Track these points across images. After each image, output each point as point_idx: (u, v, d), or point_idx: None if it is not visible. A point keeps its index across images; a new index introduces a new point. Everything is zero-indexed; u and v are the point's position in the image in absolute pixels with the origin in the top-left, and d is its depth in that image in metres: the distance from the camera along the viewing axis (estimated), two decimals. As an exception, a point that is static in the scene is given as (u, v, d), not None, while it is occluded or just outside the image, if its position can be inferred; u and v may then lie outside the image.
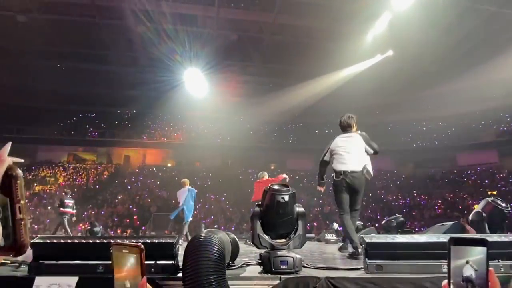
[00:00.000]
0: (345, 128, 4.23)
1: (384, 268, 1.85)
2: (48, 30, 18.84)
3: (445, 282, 0.70)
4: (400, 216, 6.67)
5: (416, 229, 13.99)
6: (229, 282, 1.81)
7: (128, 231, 14.96)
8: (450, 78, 20.31)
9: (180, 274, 1.90)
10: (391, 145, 23.23)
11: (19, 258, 2.45)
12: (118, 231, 14.95)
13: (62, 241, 1.99)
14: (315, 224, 16.15)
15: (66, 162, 22.24)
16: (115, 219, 16.33)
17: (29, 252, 1.98)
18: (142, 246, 0.72)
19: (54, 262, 1.94)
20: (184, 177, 21.25)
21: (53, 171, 20.63)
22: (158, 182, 20.25)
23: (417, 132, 23.92)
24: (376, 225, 14.90)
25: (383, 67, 19.83)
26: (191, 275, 1.70)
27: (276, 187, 1.93)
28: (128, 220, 16.40)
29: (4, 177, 0.33)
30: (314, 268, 2.13)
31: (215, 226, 16.14)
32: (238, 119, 24.14)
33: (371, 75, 20.08)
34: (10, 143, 0.46)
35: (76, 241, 2.01)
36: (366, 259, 1.93)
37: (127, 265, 0.75)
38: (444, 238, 1.96)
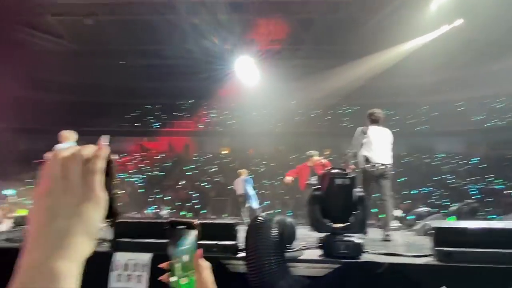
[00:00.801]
0: (376, 121, 4.47)
1: (454, 256, 1.72)
2: (111, 31, 20.44)
3: None
4: (474, 201, 6.10)
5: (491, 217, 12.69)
6: (289, 264, 1.84)
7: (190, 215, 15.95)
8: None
9: (241, 254, 1.98)
10: (461, 125, 21.16)
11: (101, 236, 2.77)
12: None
13: (137, 221, 2.20)
14: (372, 210, 15.54)
15: (134, 152, 24.27)
16: (178, 203, 17.51)
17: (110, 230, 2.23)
18: (198, 221, 0.75)
19: (130, 240, 2.16)
20: (238, 163, 21.94)
21: (123, 160, 22.69)
22: (216, 169, 21.15)
23: (491, 110, 21.34)
24: (446, 211, 13.86)
25: (451, 39, 17.86)
26: (252, 256, 1.77)
27: (335, 170, 1.90)
28: (189, 205, 17.47)
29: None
30: (376, 253, 2.07)
31: (271, 212, 16.46)
32: (289, 104, 23.91)
33: (436, 49, 18.25)
34: (108, 136, 0.55)
35: (149, 221, 2.21)
36: (434, 245, 1.81)
37: (184, 241, 0.77)
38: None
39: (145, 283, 1.95)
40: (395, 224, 7.22)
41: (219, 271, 1.97)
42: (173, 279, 0.76)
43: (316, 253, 2.05)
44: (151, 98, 25.61)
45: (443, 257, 1.74)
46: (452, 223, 1.78)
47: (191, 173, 20.93)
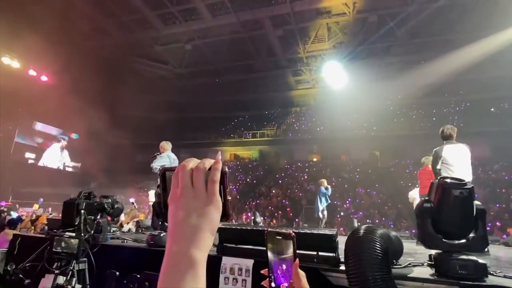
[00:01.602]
0: (449, 137, 4.45)
1: None
2: (206, 53, 22.59)
3: None
4: None
5: None
6: (396, 282, 1.72)
7: (283, 222, 16.16)
8: None
9: (342, 267, 1.94)
10: None
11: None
12: (274, 222, 16.38)
13: (239, 227, 2.37)
14: (497, 224, 13.14)
15: (229, 161, 26.01)
16: (271, 209, 17.97)
17: (216, 235, 2.45)
18: (293, 233, 0.79)
19: (234, 245, 2.33)
20: (330, 171, 21.36)
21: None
22: (305, 177, 21.03)
23: None
24: None
25: None
26: (354, 269, 1.71)
27: (450, 180, 1.70)
28: (281, 212, 17.74)
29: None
30: (505, 277, 1.76)
31: (368, 221, 15.44)
32: (384, 105, 22.28)
33: None
34: (220, 152, 0.67)
35: (249, 228, 2.35)
36: None
37: (281, 250, 0.83)
38: None
39: (250, 287, 2.07)
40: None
41: (321, 283, 1.96)
42: (273, 285, 0.82)
43: (427, 272, 1.86)
44: (243, 110, 27.23)
45: None
46: None
47: (281, 181, 21.29)
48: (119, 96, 21.72)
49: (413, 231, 5.84)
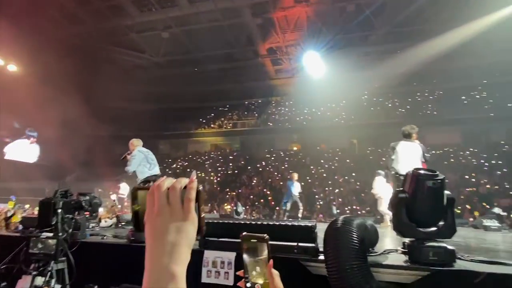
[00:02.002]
0: (407, 135, 5.08)
1: None
2: (184, 41, 22.08)
3: None
4: None
5: None
6: (372, 269, 1.80)
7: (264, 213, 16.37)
8: None
9: (321, 257, 2.00)
10: None
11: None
12: (254, 212, 16.54)
13: (221, 221, 2.39)
14: (467, 207, 13.87)
15: (209, 151, 25.88)
16: (253, 199, 18.14)
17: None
18: (267, 236, 0.84)
19: (216, 239, 2.35)
20: (310, 159, 21.69)
21: (201, 160, 24.39)
22: (286, 165, 21.29)
23: None
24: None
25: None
26: (332, 260, 1.78)
27: (423, 171, 1.79)
28: (262, 201, 17.94)
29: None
30: (472, 261, 1.88)
31: (347, 208, 15.90)
32: (361, 95, 22.73)
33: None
34: (195, 171, 0.72)
35: (231, 222, 2.38)
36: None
37: (256, 252, 0.88)
38: None
39: (232, 280, 2.11)
40: (493, 223, 6.38)
41: (301, 273, 2.02)
42: (248, 285, 0.88)
43: (401, 259, 1.96)
44: (223, 100, 26.97)
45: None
46: None
47: (262, 170, 21.45)
48: (95, 86, 20.96)
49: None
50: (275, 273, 0.86)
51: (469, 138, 19.94)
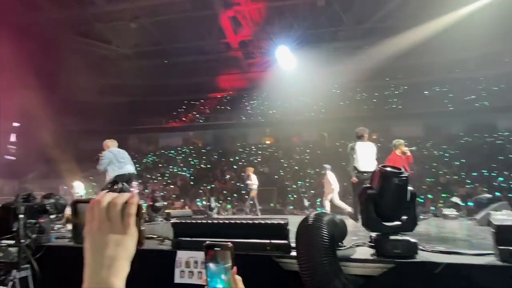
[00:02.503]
0: (360, 137, 5.81)
1: (521, 256, 1.63)
2: (153, 32, 21.39)
3: None
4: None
5: None
6: (341, 263, 1.88)
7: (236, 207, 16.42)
8: None
9: (293, 253, 2.06)
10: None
11: (163, 235, 3.03)
12: (227, 206, 16.55)
13: (194, 221, 2.38)
14: (428, 196, 14.70)
15: (181, 146, 25.45)
16: (226, 194, 18.12)
17: (171, 230, 2.44)
18: (231, 244, 0.87)
19: (189, 238, 2.34)
20: (282, 153, 21.91)
21: (173, 154, 23.94)
22: (259, 159, 21.43)
23: None
24: (509, 195, 12.69)
25: (509, 4, 15.93)
26: (304, 256, 1.83)
27: (390, 169, 1.88)
28: (236, 195, 17.98)
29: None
30: (432, 252, 2.02)
31: (318, 200, 16.32)
32: (332, 89, 23.25)
33: (492, 16, 16.41)
34: (137, 191, 0.76)
35: (204, 222, 2.38)
36: (496, 244, 1.73)
37: (220, 260, 0.91)
38: None
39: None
40: (452, 212, 6.83)
41: (273, 269, 2.07)
42: None
43: (368, 252, 2.06)
44: (194, 94, 26.48)
45: (508, 257, 1.65)
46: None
47: (235, 165, 21.46)
48: (58, 78, 19.86)
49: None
50: (238, 278, 0.89)
51: (431, 130, 21.08)
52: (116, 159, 5.38)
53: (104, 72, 23.29)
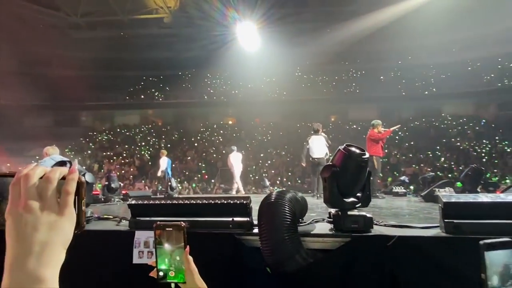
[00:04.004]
0: (316, 131, 7.06)
1: (463, 227, 1.78)
2: (107, 1, 19.78)
3: None
4: (479, 165, 6.13)
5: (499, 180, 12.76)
6: (302, 238, 1.93)
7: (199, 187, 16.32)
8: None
9: (255, 230, 2.07)
10: (471, 87, 20.69)
11: (120, 215, 2.90)
12: (188, 186, 16.39)
13: (151, 202, 2.29)
14: (380, 175, 15.67)
15: (139, 124, 24.40)
16: (187, 174, 17.89)
17: (128, 211, 2.33)
18: (184, 224, 0.83)
19: (148, 218, 2.26)
20: (245, 133, 21.89)
21: (130, 133, 22.91)
22: (221, 139, 21.29)
23: (503, 70, 20.69)
24: (449, 175, 13.96)
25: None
26: (266, 232, 1.85)
27: (355, 149, 1.93)
28: (198, 175, 17.83)
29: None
30: (385, 226, 2.14)
31: (278, 179, 16.73)
32: (294, 71, 23.44)
33: (444, 6, 17.38)
34: (76, 160, 0.64)
35: (163, 201, 2.30)
36: (442, 218, 1.87)
37: (173, 240, 0.87)
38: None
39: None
40: (401, 190, 7.36)
41: (235, 247, 2.07)
42: (161, 274, 0.87)
43: (326, 227, 2.13)
44: (153, 70, 25.21)
45: (451, 229, 1.80)
46: (460, 197, 1.82)
47: (196, 144, 21.14)
48: (-2, 47, 17.80)
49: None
50: (190, 258, 0.89)
51: (384, 114, 22.26)
52: None
53: (52, 42, 21.24)
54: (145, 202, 2.27)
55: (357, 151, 1.89)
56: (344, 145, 1.94)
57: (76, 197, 0.52)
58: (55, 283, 0.47)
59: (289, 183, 16.29)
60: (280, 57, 20.91)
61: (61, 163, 4.66)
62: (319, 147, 6.81)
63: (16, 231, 0.47)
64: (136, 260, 2.12)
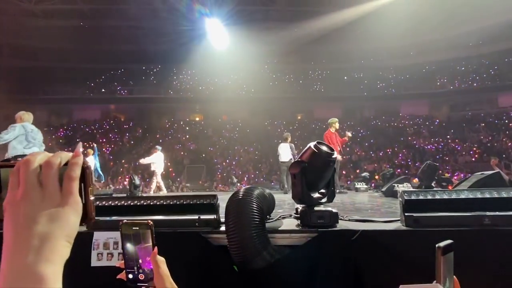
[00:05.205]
0: (284, 139, 8.26)
1: (421, 221, 1.87)
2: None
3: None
4: (434, 162, 6.53)
5: (451, 175, 13.71)
6: (269, 235, 1.92)
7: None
8: (495, 9, 18.10)
9: (222, 228, 2.04)
10: (426, 88, 22.04)
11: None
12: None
13: (113, 200, 2.17)
14: (343, 172, 16.25)
15: (100, 120, 23.25)
16: (152, 171, 17.33)
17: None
18: (152, 222, 0.78)
19: (108, 218, 2.14)
20: (212, 130, 21.65)
21: (90, 129, 21.76)
22: (187, 136, 20.90)
23: (455, 73, 22.30)
24: (406, 171, 14.79)
25: (419, 2, 17.97)
26: (233, 230, 1.82)
27: (325, 148, 1.94)
28: (164, 173, 17.33)
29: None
30: (349, 220, 2.20)
31: (246, 177, 16.75)
32: (262, 69, 23.56)
33: (406, 12, 18.35)
34: (81, 143, 0.56)
35: (126, 200, 2.19)
36: (403, 212, 1.96)
37: (139, 240, 0.82)
38: (489, 194, 1.92)
39: (128, 260, 1.96)
40: (362, 185, 7.67)
41: (201, 245, 2.02)
42: (130, 276, 0.81)
43: (293, 223, 2.15)
44: (115, 63, 24.10)
45: (411, 222, 1.88)
46: (418, 192, 1.93)
47: (162, 141, 20.56)
48: None
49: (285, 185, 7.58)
50: (161, 260, 0.81)
51: (347, 113, 23.13)
52: (26, 137, 4.75)
53: (3, 30, 19.53)
54: (104, 201, 2.14)
55: (327, 149, 1.92)
56: (315, 142, 1.96)
57: (82, 184, 0.46)
58: (57, 281, 0.41)
59: (256, 180, 16.38)
60: (248, 54, 20.92)
61: (28, 136, 4.51)
62: (285, 153, 8.11)
63: (13, 223, 0.42)
64: (94, 263, 2.00)
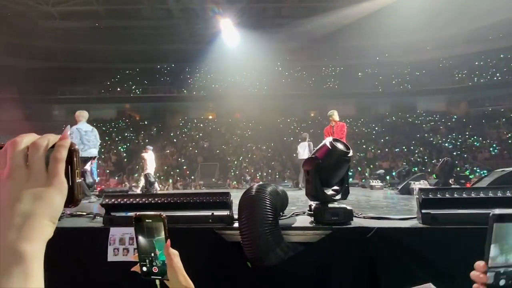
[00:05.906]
0: (303, 139, 8.72)
1: (439, 218, 1.82)
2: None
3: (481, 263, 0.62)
4: (450, 159, 6.37)
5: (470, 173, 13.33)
6: (282, 232, 1.91)
7: (180, 182, 16.08)
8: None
9: (235, 224, 2.04)
10: (443, 84, 21.47)
11: (94, 211, 2.78)
12: (170, 181, 16.14)
13: (128, 197, 2.20)
14: (358, 169, 16.05)
15: (116, 119, 23.68)
16: (166, 169, 17.57)
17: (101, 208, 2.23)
18: (164, 215, 0.78)
19: (123, 214, 2.17)
20: (225, 128, 21.76)
21: (106, 127, 22.20)
22: (201, 134, 21.05)
23: (474, 68, 21.61)
24: (423, 168, 14.47)
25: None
26: (246, 226, 1.82)
27: (341, 146, 1.91)
28: (178, 170, 17.56)
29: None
30: (364, 218, 2.16)
31: (258, 174, 16.75)
32: (274, 66, 23.45)
33: (421, 6, 17.87)
34: (69, 126, 0.59)
35: (141, 196, 2.22)
36: (420, 209, 1.91)
37: (152, 233, 0.82)
38: (510, 192, 1.85)
39: (143, 256, 1.99)
40: (377, 183, 7.55)
41: (215, 241, 2.03)
42: (144, 269, 0.81)
43: (307, 220, 2.13)
44: (130, 63, 24.49)
45: (428, 219, 1.83)
46: (436, 190, 1.88)
47: (176, 139, 20.80)
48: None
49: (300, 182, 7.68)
50: (174, 253, 0.81)
51: (361, 110, 22.78)
52: (81, 139, 4.87)
53: (21, 32, 20.13)
54: (120, 198, 2.18)
55: (342, 147, 1.89)
56: (331, 138, 1.93)
57: (69, 166, 0.46)
58: (37, 259, 0.41)
59: (269, 177, 16.36)
60: (260, 52, 20.86)
61: (83, 138, 4.78)
62: (304, 151, 8.59)
63: None
64: (111, 257, 2.04)
